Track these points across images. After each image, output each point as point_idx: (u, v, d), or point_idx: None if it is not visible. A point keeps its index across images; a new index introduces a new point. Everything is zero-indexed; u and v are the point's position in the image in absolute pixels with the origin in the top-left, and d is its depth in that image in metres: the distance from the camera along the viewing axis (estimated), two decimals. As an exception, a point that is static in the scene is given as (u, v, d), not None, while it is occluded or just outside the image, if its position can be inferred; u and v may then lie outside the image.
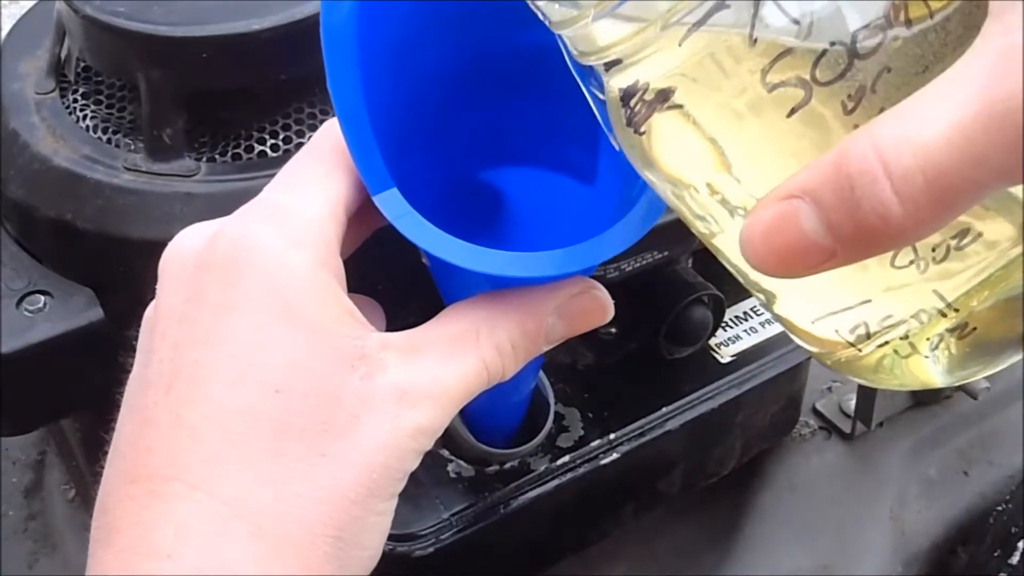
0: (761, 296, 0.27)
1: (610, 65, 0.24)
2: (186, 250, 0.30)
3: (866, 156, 0.20)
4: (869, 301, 0.24)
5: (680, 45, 0.22)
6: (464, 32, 0.33)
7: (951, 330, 0.24)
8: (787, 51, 0.22)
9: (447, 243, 0.29)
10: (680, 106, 0.23)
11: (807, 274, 0.22)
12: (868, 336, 0.25)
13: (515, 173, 0.37)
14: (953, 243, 0.23)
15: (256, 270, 0.28)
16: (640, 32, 0.23)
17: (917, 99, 0.20)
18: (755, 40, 0.22)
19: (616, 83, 0.24)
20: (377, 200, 0.29)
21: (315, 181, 0.31)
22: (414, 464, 0.30)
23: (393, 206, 0.29)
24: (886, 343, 0.25)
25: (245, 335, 0.28)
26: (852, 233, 0.21)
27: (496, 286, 0.32)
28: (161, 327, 0.29)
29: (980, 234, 0.23)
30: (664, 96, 0.23)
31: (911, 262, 0.23)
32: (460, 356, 0.30)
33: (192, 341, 0.28)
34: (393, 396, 0.28)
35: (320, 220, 0.30)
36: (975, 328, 0.24)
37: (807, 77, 0.22)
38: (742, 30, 0.22)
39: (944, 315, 0.24)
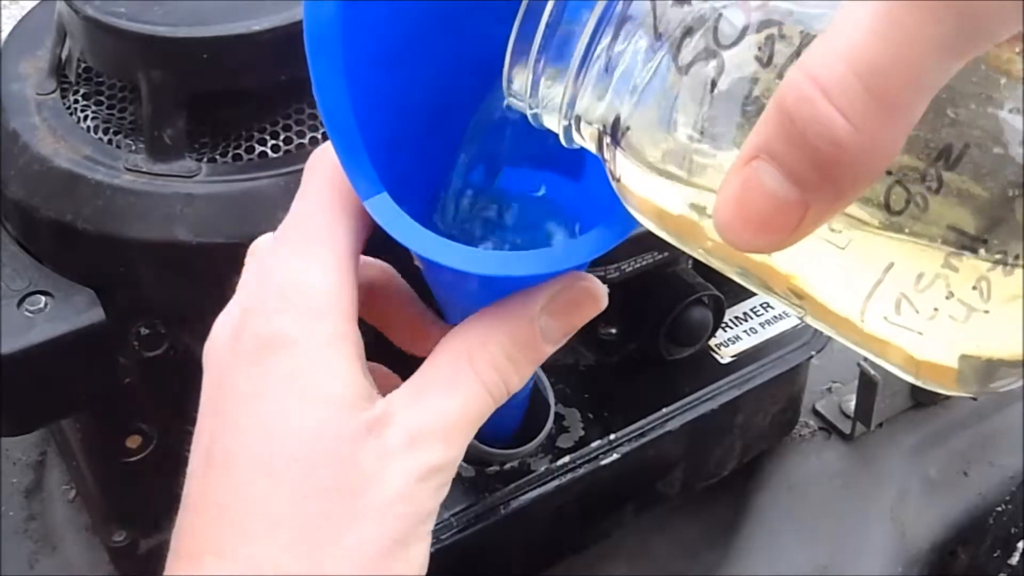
0: (800, 310, 0.26)
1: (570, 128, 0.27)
2: (218, 343, 0.31)
3: (799, 85, 0.19)
4: (892, 265, 0.22)
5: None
6: (449, 32, 0.33)
7: (994, 265, 0.21)
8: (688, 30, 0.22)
9: (438, 245, 0.29)
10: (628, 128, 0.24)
11: (793, 239, 0.21)
12: (917, 312, 0.22)
13: (505, 172, 0.37)
14: (941, 164, 0.21)
15: (278, 358, 0.29)
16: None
17: (838, 18, 0.19)
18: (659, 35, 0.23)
19: (583, 139, 0.26)
20: (367, 205, 0.29)
21: (321, 239, 0.31)
22: (436, 501, 0.31)
23: (383, 211, 0.29)
24: (936, 311, 0.22)
25: (268, 419, 0.29)
26: (812, 173, 0.19)
27: (489, 287, 0.31)
28: (200, 419, 0.32)
29: (967, 144, 0.21)
30: (615, 130, 0.24)
31: (908, 202, 0.21)
32: (459, 385, 0.30)
33: (223, 430, 0.30)
34: (404, 444, 0.29)
35: (333, 292, 0.30)
36: (1017, 255, 0.21)
37: (713, 46, 0.22)
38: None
39: (975, 251, 0.21)
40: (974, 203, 0.21)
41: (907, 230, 0.22)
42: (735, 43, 0.22)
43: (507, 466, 0.55)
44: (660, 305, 0.59)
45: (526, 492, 0.54)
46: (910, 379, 0.24)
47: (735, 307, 0.66)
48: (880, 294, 0.23)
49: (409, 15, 0.32)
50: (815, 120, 0.19)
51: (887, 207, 0.21)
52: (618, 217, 0.29)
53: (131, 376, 0.51)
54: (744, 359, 0.63)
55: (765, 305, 0.66)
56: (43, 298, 0.47)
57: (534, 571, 0.61)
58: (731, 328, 0.65)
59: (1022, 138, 0.20)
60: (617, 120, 0.25)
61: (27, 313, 0.46)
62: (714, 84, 0.23)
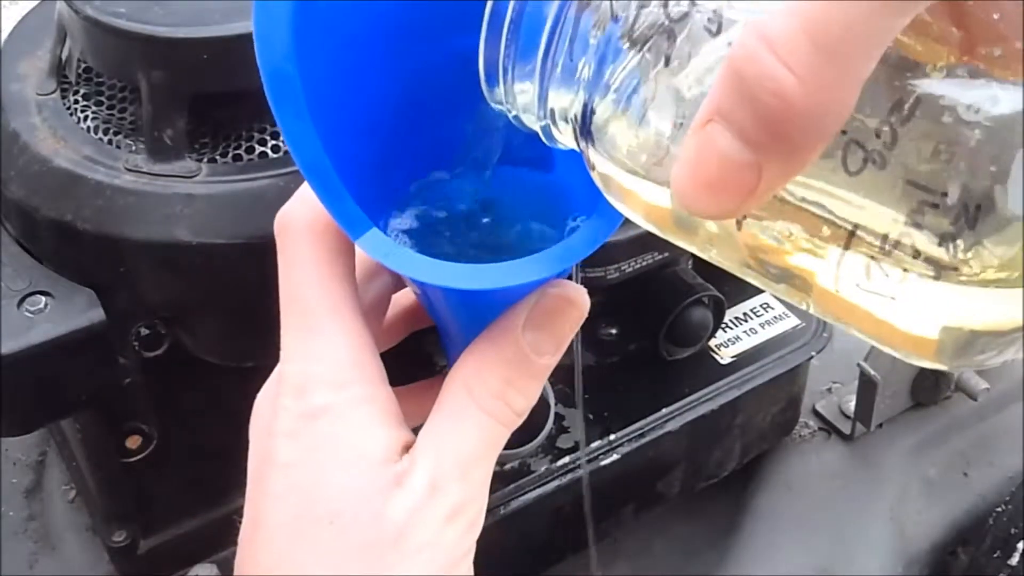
0: (797, 295, 0.25)
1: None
2: (260, 420, 0.33)
3: (746, 43, 0.19)
4: (856, 227, 0.22)
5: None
6: (402, 45, 0.32)
7: (955, 221, 0.21)
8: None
9: (437, 268, 0.29)
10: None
11: (749, 204, 0.20)
12: (887, 276, 0.22)
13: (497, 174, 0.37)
14: (895, 120, 0.20)
15: (311, 428, 0.31)
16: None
17: None
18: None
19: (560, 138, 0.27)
20: (359, 244, 0.29)
21: (323, 316, 0.31)
22: (469, 541, 0.32)
23: (377, 247, 0.29)
24: (905, 272, 0.22)
25: (304, 484, 0.30)
26: (763, 132, 0.19)
27: (485, 304, 0.31)
28: (248, 491, 0.33)
29: (918, 98, 0.20)
30: (584, 121, 0.24)
31: (865, 161, 0.21)
32: (464, 421, 0.31)
33: (264, 498, 0.31)
34: (427, 491, 0.30)
35: (348, 365, 0.31)
36: (978, 205, 0.20)
37: (664, 22, 0.22)
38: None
39: (937, 205, 0.21)
40: (931, 156, 0.20)
41: (867, 191, 0.21)
42: (683, 17, 0.22)
43: (507, 466, 0.55)
44: (660, 305, 0.59)
45: (526, 492, 0.55)
46: (892, 351, 0.24)
47: (735, 308, 0.66)
48: (849, 260, 0.22)
49: (357, 37, 0.31)
50: (762, 76, 0.18)
51: (845, 168, 0.21)
52: (602, 214, 0.29)
53: (131, 376, 0.51)
54: (744, 359, 0.63)
55: (765, 306, 0.66)
56: (43, 298, 0.47)
57: (534, 571, 0.61)
58: (731, 328, 0.65)
59: (967, 86, 0.20)
60: (586, 110, 0.25)
61: (27, 313, 0.46)
62: (667, 60, 0.23)
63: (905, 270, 0.22)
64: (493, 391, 0.31)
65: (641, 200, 0.25)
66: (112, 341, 0.48)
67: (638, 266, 0.56)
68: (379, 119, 0.34)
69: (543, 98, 0.27)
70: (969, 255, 0.21)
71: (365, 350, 0.31)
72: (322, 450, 0.30)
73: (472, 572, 0.32)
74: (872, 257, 0.22)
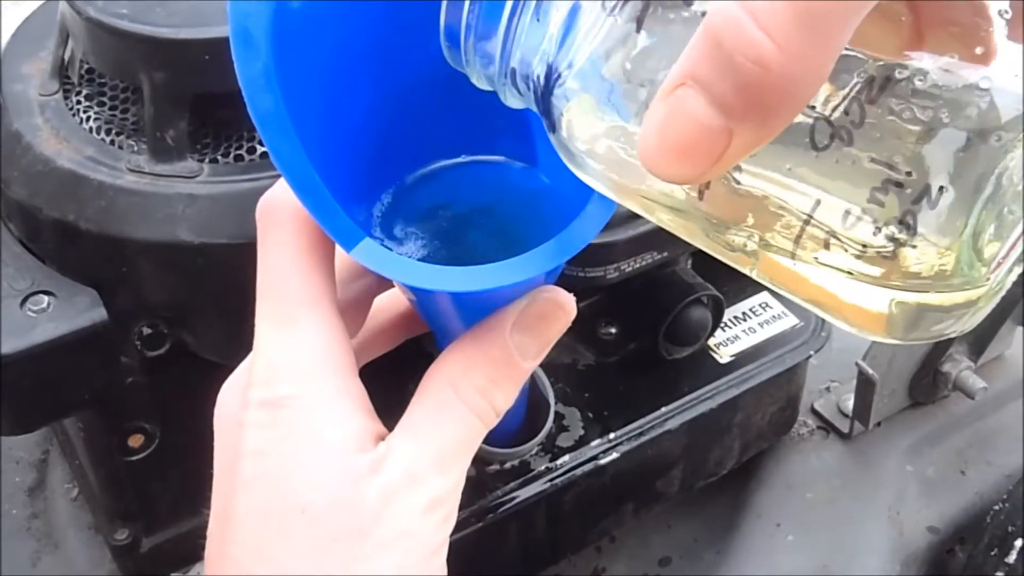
0: (746, 262, 0.25)
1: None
2: (226, 409, 0.32)
3: (726, 10, 0.19)
4: (819, 202, 0.22)
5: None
6: (388, 44, 0.32)
7: (917, 200, 0.21)
8: None
9: (434, 274, 0.29)
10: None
11: (716, 170, 0.20)
12: (845, 250, 0.22)
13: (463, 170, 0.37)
14: (864, 97, 0.21)
15: (281, 418, 0.30)
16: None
17: None
18: None
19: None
20: (354, 255, 0.29)
21: (299, 305, 0.31)
22: (443, 533, 0.31)
23: (372, 256, 0.29)
24: (864, 248, 0.22)
25: (275, 473, 0.30)
26: (737, 98, 0.19)
27: (482, 304, 0.32)
28: (215, 482, 0.32)
29: (888, 78, 0.20)
30: (548, 79, 0.24)
31: (832, 137, 0.21)
32: (447, 415, 0.31)
33: (232, 487, 0.31)
34: (405, 481, 0.30)
35: (322, 356, 0.31)
36: (941, 187, 0.21)
37: None
38: None
39: (900, 184, 0.21)
40: (897, 136, 0.21)
41: (832, 167, 0.21)
42: None
43: (507, 465, 0.55)
44: (660, 305, 0.60)
45: (526, 491, 0.55)
46: (843, 326, 0.24)
47: (734, 307, 0.66)
48: (810, 233, 0.22)
49: (334, 52, 0.31)
50: (742, 42, 0.18)
51: (812, 143, 0.21)
52: (584, 216, 0.29)
53: (133, 375, 0.51)
54: (743, 359, 0.63)
55: (764, 305, 0.67)
56: (46, 298, 0.47)
57: (534, 570, 0.62)
58: (730, 328, 0.65)
59: (940, 65, 0.20)
60: (550, 72, 0.25)
61: (30, 313, 0.47)
62: (639, 24, 0.23)
63: (864, 246, 0.22)
64: (479, 388, 0.31)
65: (601, 165, 0.25)
66: (114, 341, 0.49)
67: (637, 266, 0.56)
68: (366, 120, 0.34)
69: (506, 59, 0.27)
70: (929, 234, 0.21)
71: (339, 343, 0.31)
72: (293, 439, 0.30)
73: (445, 569, 0.31)
74: (832, 233, 0.22)
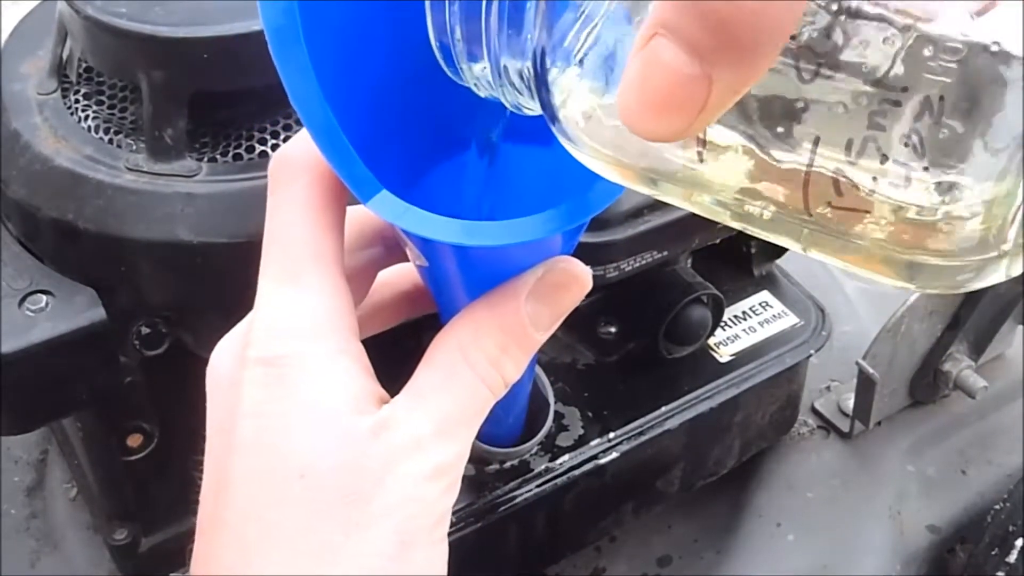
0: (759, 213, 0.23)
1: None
2: (221, 369, 0.31)
3: None
4: (819, 139, 0.20)
5: None
6: (407, 20, 0.32)
7: (919, 118, 0.19)
8: None
9: (457, 227, 0.28)
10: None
11: (700, 122, 0.19)
12: (858, 188, 0.21)
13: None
14: (844, 17, 0.19)
15: (280, 378, 0.29)
16: None
17: None
18: None
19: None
20: (371, 206, 0.29)
21: (307, 263, 0.30)
22: (447, 502, 0.30)
23: (389, 208, 0.28)
24: (876, 181, 0.20)
25: (273, 436, 0.29)
26: (711, 39, 0.18)
27: (494, 267, 0.31)
28: (208, 444, 0.31)
29: None
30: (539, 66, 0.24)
31: (819, 65, 0.20)
32: (456, 381, 0.30)
33: (228, 449, 0.29)
34: (409, 446, 0.29)
35: (326, 315, 0.30)
36: (941, 96, 0.19)
37: None
38: None
39: (898, 103, 0.19)
40: (884, 51, 0.19)
41: (824, 97, 0.20)
42: None
43: (507, 464, 0.55)
44: (659, 304, 0.60)
45: (526, 491, 0.55)
46: (859, 271, 0.23)
47: (734, 306, 0.66)
48: (816, 179, 0.21)
49: (359, 17, 0.31)
50: None
51: (799, 78, 0.20)
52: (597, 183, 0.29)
53: (132, 375, 0.51)
54: (743, 358, 0.63)
55: (764, 304, 0.67)
56: (44, 297, 0.47)
57: (534, 570, 0.61)
58: (730, 327, 0.65)
59: None
60: (537, 58, 0.25)
61: (28, 312, 0.47)
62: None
63: (875, 179, 0.20)
64: (489, 356, 0.30)
65: (600, 145, 0.25)
66: (113, 340, 0.49)
67: (637, 265, 0.56)
68: (384, 97, 0.34)
69: (494, 56, 0.27)
70: (942, 158, 0.19)
71: (344, 304, 0.30)
72: (293, 399, 0.29)
73: (447, 542, 0.30)
74: (839, 172, 0.21)
